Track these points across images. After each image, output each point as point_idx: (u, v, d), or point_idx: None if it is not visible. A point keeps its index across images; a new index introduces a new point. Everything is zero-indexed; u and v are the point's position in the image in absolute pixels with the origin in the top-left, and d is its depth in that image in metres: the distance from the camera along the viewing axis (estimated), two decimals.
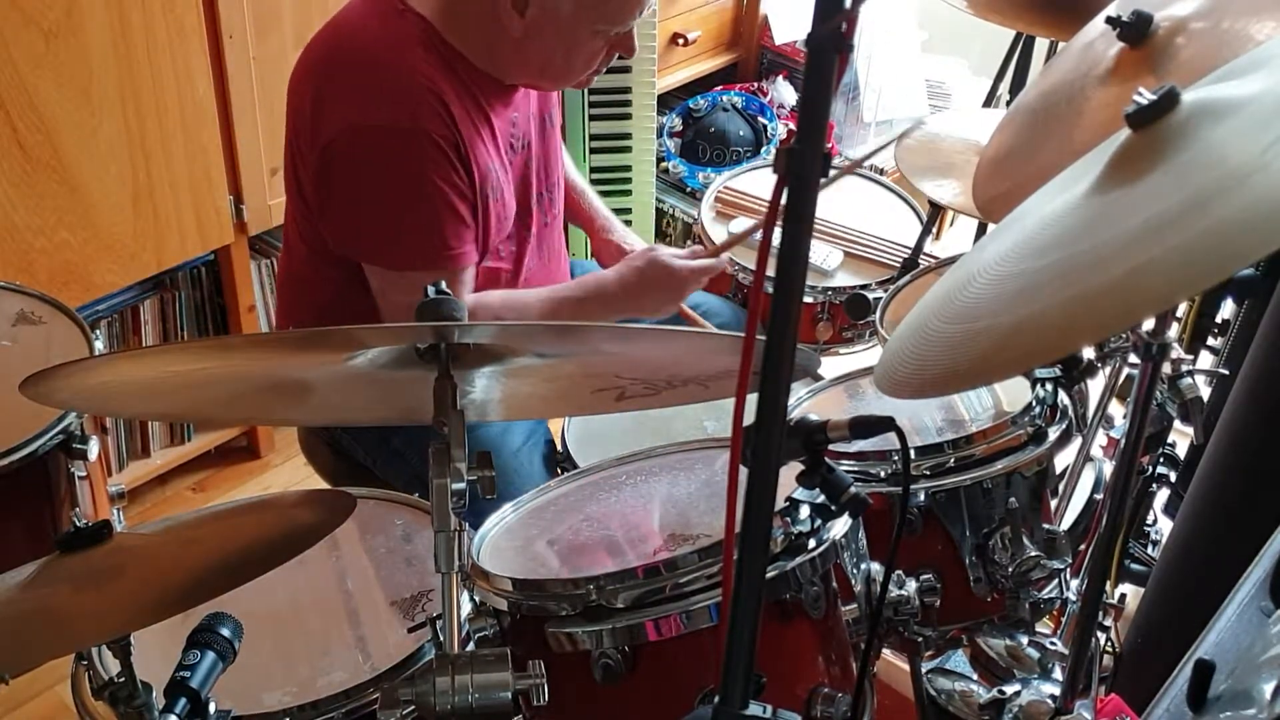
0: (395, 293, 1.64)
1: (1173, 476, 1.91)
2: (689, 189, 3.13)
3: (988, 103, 2.88)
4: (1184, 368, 1.47)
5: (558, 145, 1.87)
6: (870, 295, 2.04)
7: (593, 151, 2.98)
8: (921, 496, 1.41)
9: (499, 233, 1.71)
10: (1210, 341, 1.99)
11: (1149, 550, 1.97)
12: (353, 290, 1.69)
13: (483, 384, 1.19)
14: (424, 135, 1.55)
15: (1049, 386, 1.48)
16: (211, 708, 1.09)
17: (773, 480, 0.76)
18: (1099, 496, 1.91)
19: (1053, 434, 1.46)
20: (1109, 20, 1.33)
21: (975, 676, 1.63)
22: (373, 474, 1.83)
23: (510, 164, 1.72)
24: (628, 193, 3.04)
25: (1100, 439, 1.82)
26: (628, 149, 3.00)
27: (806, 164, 0.71)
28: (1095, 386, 1.66)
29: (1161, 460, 1.87)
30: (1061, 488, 1.78)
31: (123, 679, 1.08)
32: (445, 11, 1.60)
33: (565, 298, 1.75)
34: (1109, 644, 1.56)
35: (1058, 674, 1.51)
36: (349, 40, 1.62)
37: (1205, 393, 1.59)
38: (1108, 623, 1.52)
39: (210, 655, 1.09)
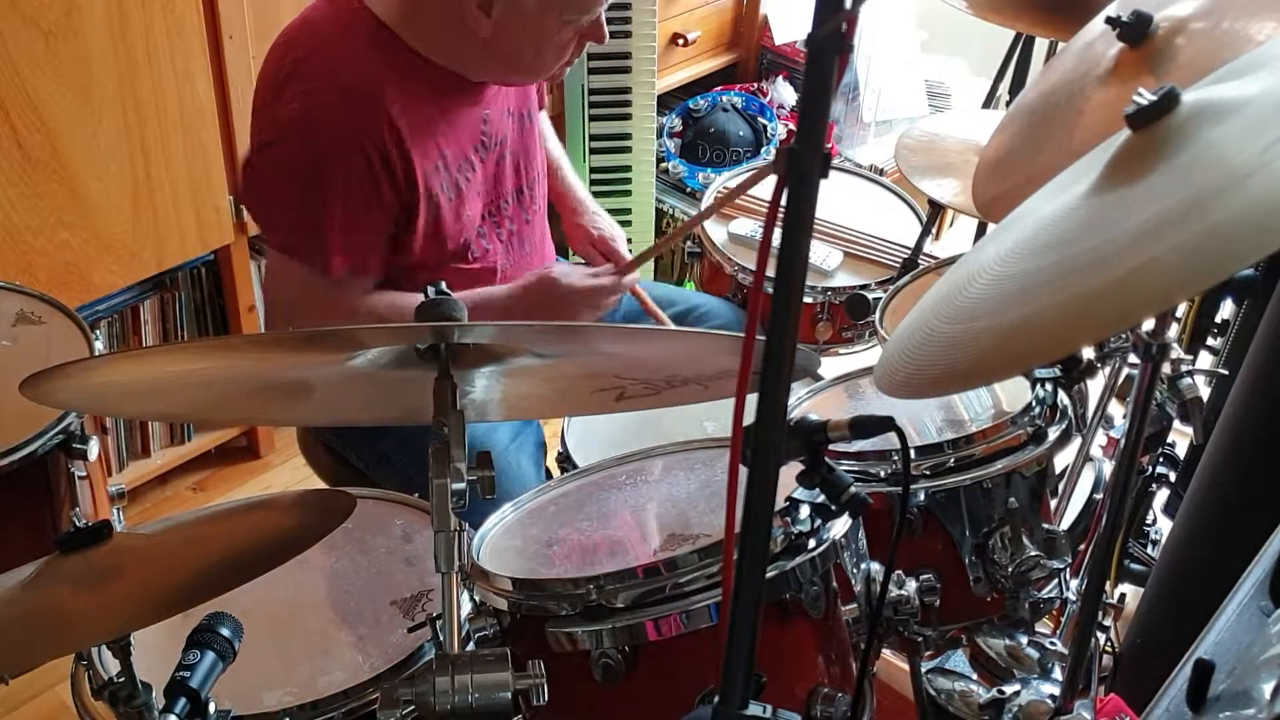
0: (276, 272, 1.66)
1: (1172, 476, 1.91)
2: (689, 189, 3.13)
3: (988, 103, 2.88)
4: (1183, 368, 1.47)
5: (537, 141, 1.86)
6: (870, 295, 2.04)
7: (593, 152, 2.98)
8: (921, 496, 1.41)
9: (459, 231, 1.70)
10: (1210, 341, 1.99)
11: (1149, 550, 1.97)
12: None
13: (482, 384, 1.19)
14: (345, 137, 1.55)
15: (1049, 386, 1.48)
16: (211, 708, 1.09)
17: (773, 480, 0.76)
18: (1099, 496, 1.91)
19: (1052, 434, 1.47)
20: (1109, 20, 1.33)
21: (975, 676, 1.63)
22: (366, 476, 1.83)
23: (482, 161, 1.72)
24: (628, 193, 3.04)
25: (1100, 439, 1.82)
26: (628, 149, 3.00)
27: (806, 164, 0.71)
28: (1095, 386, 1.66)
29: (1161, 460, 1.88)
30: (1061, 488, 1.78)
31: (123, 679, 1.08)
32: (402, 11, 1.59)
33: None
34: (1109, 644, 1.56)
35: (1057, 674, 1.51)
36: (298, 34, 1.62)
37: (1205, 393, 1.59)
38: (1107, 623, 1.52)
39: (210, 655, 1.09)
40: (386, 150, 1.56)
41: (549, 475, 1.80)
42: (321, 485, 1.96)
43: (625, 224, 3.03)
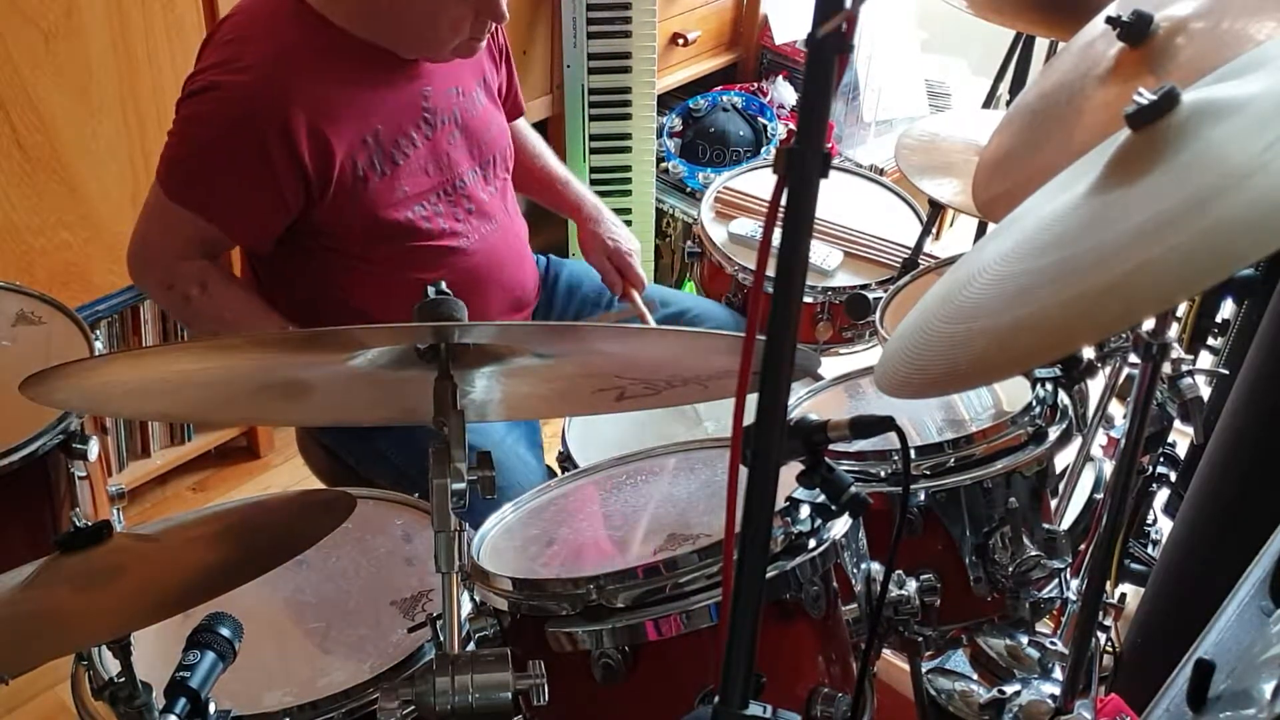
0: (152, 205, 1.68)
1: (1173, 476, 1.91)
2: (689, 189, 3.13)
3: (988, 103, 2.88)
4: (1184, 368, 1.47)
5: (492, 118, 1.86)
6: (870, 295, 2.04)
7: (593, 152, 2.98)
8: (921, 496, 1.41)
9: (394, 206, 1.70)
10: (1210, 341, 1.99)
11: (1149, 550, 1.97)
12: (325, 276, 1.72)
13: (483, 384, 1.19)
14: (241, 119, 1.58)
15: (1049, 386, 1.48)
16: (211, 708, 1.09)
17: (773, 480, 0.76)
18: (1099, 496, 1.91)
19: (1053, 434, 1.46)
20: (1109, 20, 1.33)
21: (975, 676, 1.63)
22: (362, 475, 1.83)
23: (427, 138, 1.72)
24: (628, 193, 3.04)
25: (1100, 439, 1.82)
26: (628, 149, 3.00)
27: (806, 164, 0.71)
28: (1095, 386, 1.66)
29: (1161, 460, 1.87)
30: (1061, 488, 1.78)
31: (123, 679, 1.08)
32: None
33: (264, 314, 1.72)
34: (1109, 644, 1.56)
35: (1058, 674, 1.51)
36: (234, 10, 1.68)
37: (1205, 393, 1.59)
38: (1108, 623, 1.52)
39: (210, 655, 1.09)
40: (291, 129, 1.58)
41: (551, 473, 1.80)
42: (321, 485, 1.96)
43: (625, 224, 3.04)
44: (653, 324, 1.91)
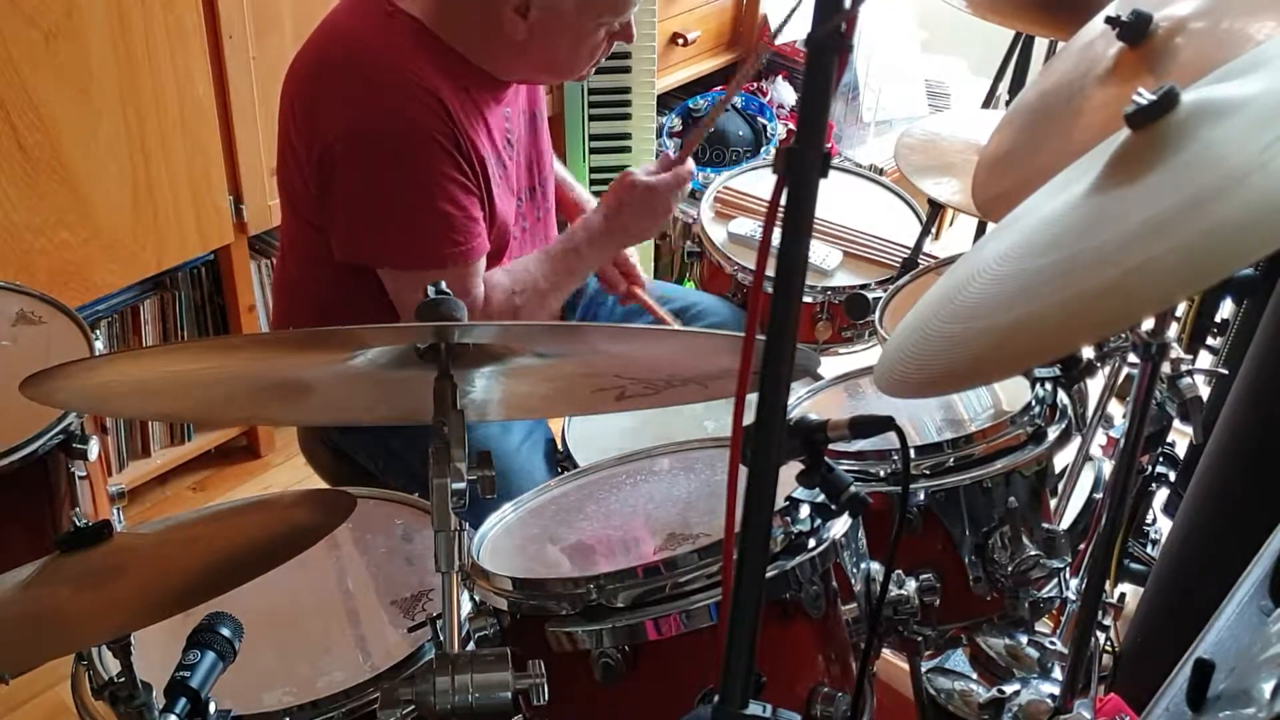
0: (409, 293, 1.63)
1: (1172, 476, 1.91)
2: (689, 189, 3.12)
3: (987, 103, 2.88)
4: (1183, 367, 1.47)
5: (546, 140, 1.88)
6: (870, 295, 2.04)
7: (593, 151, 2.98)
8: (921, 496, 1.41)
9: (503, 225, 1.71)
10: (1210, 341, 1.99)
11: (1149, 550, 1.97)
12: (350, 293, 1.69)
13: (483, 384, 1.19)
14: (423, 133, 1.55)
15: (1048, 386, 1.48)
16: (212, 707, 1.09)
17: (773, 480, 0.76)
18: (1099, 496, 1.91)
19: (1052, 433, 1.46)
20: (1108, 20, 1.33)
21: (975, 676, 1.63)
22: (372, 475, 1.83)
23: (511, 159, 1.73)
24: None
25: (1100, 439, 1.82)
26: (628, 149, 3.00)
27: (806, 164, 0.71)
28: (1095, 386, 1.66)
29: (1161, 460, 1.87)
30: (1061, 487, 1.78)
31: (123, 679, 1.08)
32: (438, 10, 1.60)
33: (559, 250, 1.74)
34: (1108, 643, 1.56)
35: (1057, 673, 1.51)
36: (339, 44, 1.61)
37: (1205, 393, 1.59)
38: (1107, 622, 1.52)
39: (210, 655, 1.09)
40: (458, 141, 1.58)
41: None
42: (322, 485, 1.96)
43: None
44: (670, 321, 1.92)
